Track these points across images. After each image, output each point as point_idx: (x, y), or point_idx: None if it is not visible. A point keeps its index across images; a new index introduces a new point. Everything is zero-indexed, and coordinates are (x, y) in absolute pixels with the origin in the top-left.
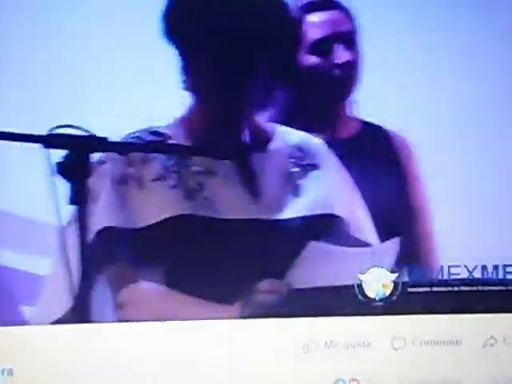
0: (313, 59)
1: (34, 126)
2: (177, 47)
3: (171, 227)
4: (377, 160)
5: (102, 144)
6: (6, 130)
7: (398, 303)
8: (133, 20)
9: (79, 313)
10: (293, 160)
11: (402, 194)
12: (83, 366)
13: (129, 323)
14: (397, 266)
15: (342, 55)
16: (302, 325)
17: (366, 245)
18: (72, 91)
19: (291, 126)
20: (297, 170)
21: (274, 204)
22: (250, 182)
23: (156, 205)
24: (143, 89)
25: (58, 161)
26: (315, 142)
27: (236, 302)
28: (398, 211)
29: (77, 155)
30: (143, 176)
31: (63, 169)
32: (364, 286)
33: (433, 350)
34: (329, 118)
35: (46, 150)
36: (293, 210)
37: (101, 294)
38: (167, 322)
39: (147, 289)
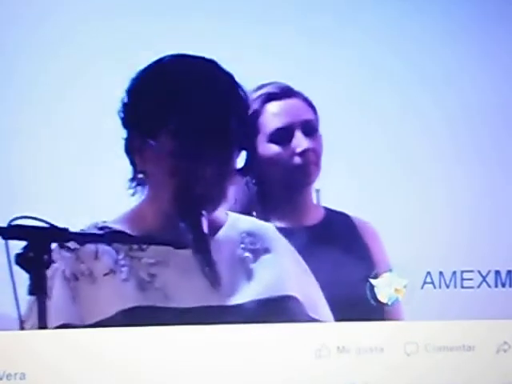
0: (273, 148)
1: None
2: (133, 137)
3: (125, 319)
4: (343, 246)
5: (62, 234)
6: None
7: (411, 308)
8: (90, 106)
9: None
10: (244, 245)
11: (368, 275)
12: (95, 371)
13: (142, 327)
14: None
15: (302, 143)
16: (315, 330)
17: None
18: (31, 182)
19: (253, 215)
20: (248, 254)
21: (229, 290)
22: (207, 269)
23: (108, 299)
24: (92, 183)
25: (17, 252)
26: (264, 226)
27: None
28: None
29: (37, 246)
30: (94, 271)
31: (22, 260)
32: (376, 290)
33: (446, 356)
34: (292, 206)
35: (4, 242)
36: (248, 294)
37: None
38: (176, 326)
39: None
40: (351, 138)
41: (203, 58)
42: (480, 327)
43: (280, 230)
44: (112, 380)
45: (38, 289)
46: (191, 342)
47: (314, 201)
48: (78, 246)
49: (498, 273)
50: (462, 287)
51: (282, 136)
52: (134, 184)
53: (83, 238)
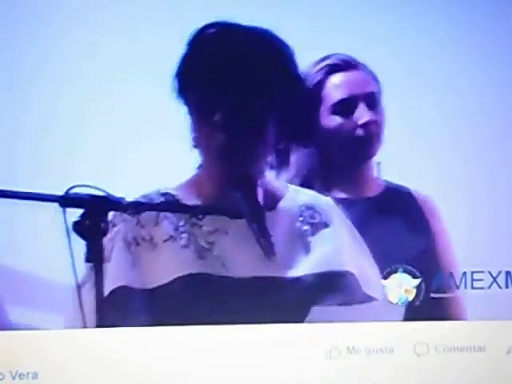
0: (336, 120)
1: (51, 186)
2: (188, 107)
3: (182, 286)
4: (402, 219)
5: (118, 203)
6: (24, 189)
7: (421, 309)
8: (145, 79)
9: None
10: (302, 218)
11: (427, 251)
12: (107, 371)
13: (154, 328)
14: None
15: (365, 115)
16: (325, 330)
17: (371, 299)
18: (89, 152)
19: (314, 187)
20: (307, 228)
21: (285, 262)
22: (261, 240)
23: (168, 265)
24: (155, 149)
25: (74, 220)
26: (324, 200)
27: None
28: (423, 269)
29: (93, 214)
30: (155, 237)
31: (79, 228)
32: (386, 291)
33: (456, 356)
34: (353, 178)
35: (62, 210)
36: (305, 267)
37: None
38: (190, 326)
39: None
40: (415, 111)
41: (256, 28)
42: (490, 328)
43: (339, 200)
44: (124, 381)
45: (95, 256)
46: (203, 342)
47: (375, 173)
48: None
49: (508, 273)
50: (473, 288)
51: (345, 108)
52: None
53: (138, 207)
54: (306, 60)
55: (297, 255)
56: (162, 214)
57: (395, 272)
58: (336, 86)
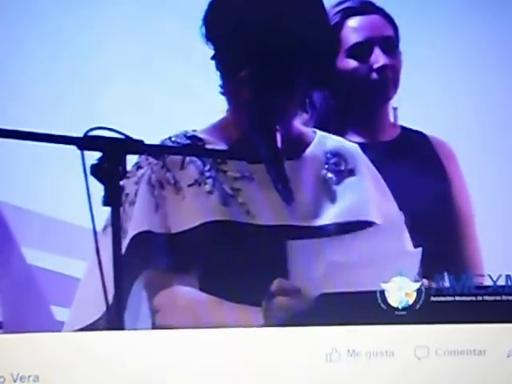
0: (352, 63)
1: (69, 128)
2: (215, 51)
3: (206, 233)
4: (418, 164)
5: (137, 147)
6: (41, 131)
7: (421, 312)
8: (171, 24)
9: (113, 318)
10: (328, 166)
11: (444, 198)
12: (110, 374)
13: (159, 331)
14: (422, 275)
15: (380, 59)
16: (325, 333)
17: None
18: (109, 94)
19: (329, 130)
20: (332, 176)
21: (310, 210)
22: (279, 185)
23: (192, 210)
24: (180, 93)
25: (93, 163)
26: (351, 146)
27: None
28: (440, 215)
29: (112, 157)
30: (180, 181)
31: (98, 171)
32: (387, 294)
33: (457, 360)
34: (368, 122)
35: (81, 152)
36: (329, 216)
37: (136, 298)
38: (191, 329)
39: (182, 293)
40: (434, 56)
41: None
42: (491, 331)
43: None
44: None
45: (113, 200)
46: (204, 344)
47: (391, 118)
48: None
49: (508, 277)
50: (473, 291)
51: (361, 51)
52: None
53: (158, 150)
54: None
55: (321, 204)
56: (188, 158)
57: (395, 276)
58: (353, 29)
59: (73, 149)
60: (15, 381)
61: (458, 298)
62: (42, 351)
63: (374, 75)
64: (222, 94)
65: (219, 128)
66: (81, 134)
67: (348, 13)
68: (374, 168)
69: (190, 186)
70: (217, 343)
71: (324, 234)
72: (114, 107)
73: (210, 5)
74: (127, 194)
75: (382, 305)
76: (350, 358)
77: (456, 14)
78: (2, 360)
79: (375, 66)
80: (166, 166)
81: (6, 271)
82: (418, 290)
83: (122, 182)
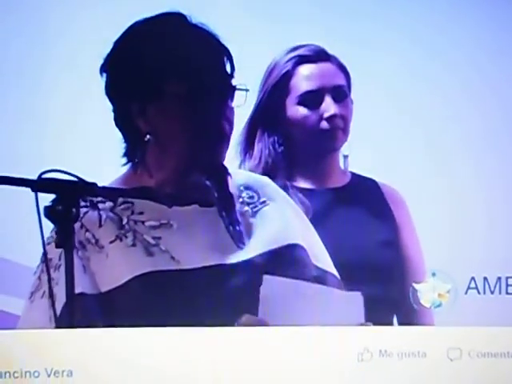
0: (302, 111)
1: (23, 170)
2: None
3: (136, 288)
4: (367, 210)
5: (90, 189)
6: None
7: (455, 313)
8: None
9: None
10: (242, 200)
11: (392, 245)
12: (142, 371)
13: (191, 328)
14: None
15: (331, 108)
16: (357, 333)
17: (328, 273)
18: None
19: (275, 176)
20: (247, 208)
21: (234, 246)
22: (237, 230)
23: (118, 266)
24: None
25: (46, 205)
26: (260, 178)
27: None
28: (388, 262)
29: (65, 199)
30: (100, 239)
31: (51, 212)
32: (419, 295)
33: (490, 362)
34: (317, 169)
35: (34, 194)
36: (253, 248)
37: None
38: (218, 327)
39: None
40: (384, 105)
41: (168, 14)
42: None
43: (304, 190)
44: (159, 381)
45: (66, 242)
46: (231, 342)
47: (342, 166)
48: (81, 214)
49: None
50: (507, 293)
51: (312, 99)
52: (130, 154)
53: (111, 192)
54: (277, 49)
55: (242, 238)
56: (105, 215)
57: (428, 276)
58: (304, 77)
59: (26, 191)
60: (49, 376)
61: (492, 300)
62: (76, 346)
63: (324, 124)
64: (130, 150)
65: (127, 180)
66: (34, 176)
67: (300, 60)
68: (287, 196)
69: (111, 242)
70: (248, 342)
71: (252, 268)
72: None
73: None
74: (50, 259)
75: (414, 305)
76: (382, 358)
77: (410, 55)
78: (37, 355)
79: (325, 114)
80: (84, 226)
81: None
82: (452, 291)
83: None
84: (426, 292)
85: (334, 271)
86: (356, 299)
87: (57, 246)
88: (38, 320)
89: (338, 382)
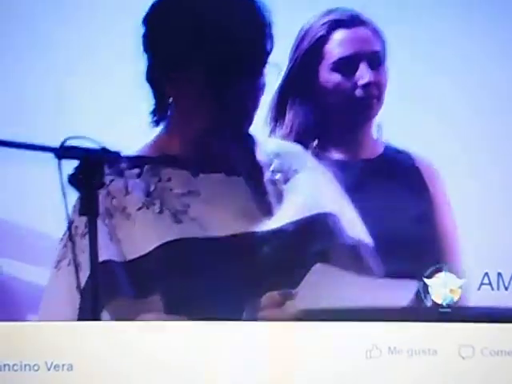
0: (336, 77)
1: (47, 137)
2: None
3: (163, 255)
4: (400, 183)
5: (113, 156)
6: (20, 139)
7: (467, 310)
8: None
9: None
10: (273, 168)
11: (426, 219)
12: (143, 364)
13: (194, 322)
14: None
15: (366, 76)
16: (366, 329)
17: (362, 243)
18: (85, 104)
19: (307, 146)
20: (279, 176)
21: (262, 215)
22: (266, 201)
23: (145, 234)
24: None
25: (70, 172)
26: (293, 147)
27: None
28: (421, 237)
29: (89, 167)
30: (127, 207)
31: (74, 180)
32: (430, 290)
33: (503, 360)
34: (350, 138)
35: (58, 161)
36: (283, 216)
37: None
38: (223, 321)
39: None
40: (421, 72)
41: None
42: None
43: (336, 162)
44: (158, 375)
45: (89, 209)
46: (238, 337)
47: (375, 135)
48: (107, 182)
49: None
50: None
51: (346, 66)
52: (157, 114)
53: (134, 160)
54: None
55: (274, 206)
56: (132, 182)
57: (440, 271)
58: (339, 43)
59: (50, 157)
60: (49, 369)
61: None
62: (76, 340)
63: (359, 92)
64: (157, 110)
65: (154, 147)
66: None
67: (334, 25)
68: (320, 164)
69: (138, 209)
70: (251, 337)
71: (282, 236)
72: (91, 116)
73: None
74: (76, 227)
75: (425, 301)
76: (391, 356)
77: (446, 26)
78: (37, 348)
79: (360, 82)
80: (110, 193)
81: None
82: (464, 287)
83: (70, 217)
84: (437, 287)
85: (368, 240)
86: (409, 286)
87: (80, 214)
88: (63, 289)
89: (345, 380)
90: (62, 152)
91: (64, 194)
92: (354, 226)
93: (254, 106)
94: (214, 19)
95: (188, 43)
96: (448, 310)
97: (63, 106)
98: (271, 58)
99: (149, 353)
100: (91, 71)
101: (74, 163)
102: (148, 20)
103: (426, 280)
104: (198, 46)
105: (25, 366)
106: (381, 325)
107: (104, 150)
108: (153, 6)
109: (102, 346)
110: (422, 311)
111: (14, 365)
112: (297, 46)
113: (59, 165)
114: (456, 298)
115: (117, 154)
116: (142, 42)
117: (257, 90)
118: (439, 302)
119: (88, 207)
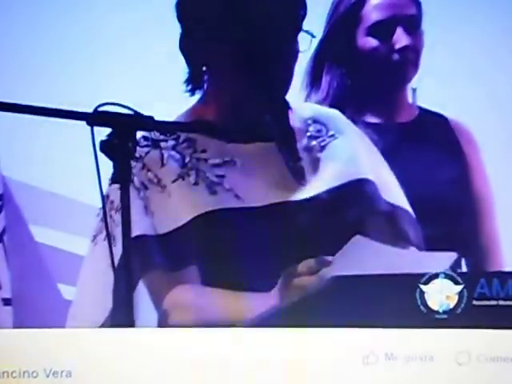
0: (372, 42)
1: (79, 103)
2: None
3: (200, 226)
4: (436, 147)
5: (147, 122)
6: (51, 106)
7: (463, 316)
8: None
9: (123, 318)
10: (310, 134)
11: (462, 184)
12: (143, 370)
13: (190, 328)
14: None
15: (403, 40)
16: (363, 335)
17: (400, 209)
18: (117, 71)
19: (345, 110)
20: (315, 143)
21: (299, 183)
22: (298, 166)
23: (181, 206)
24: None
25: (102, 139)
26: (329, 112)
27: (273, 289)
28: (457, 201)
29: (122, 133)
30: (163, 178)
31: (108, 147)
32: (427, 297)
33: (499, 367)
34: (385, 103)
35: (90, 128)
36: (319, 184)
37: (142, 299)
38: (219, 328)
39: (186, 292)
40: (457, 37)
41: None
42: None
43: (371, 125)
44: (157, 381)
45: (122, 177)
46: (235, 345)
47: (410, 100)
48: (143, 154)
49: None
50: None
51: (383, 30)
52: (192, 83)
53: (168, 126)
54: None
55: (310, 173)
56: (167, 154)
57: (436, 277)
58: (375, 7)
59: (82, 125)
60: (48, 376)
61: (501, 303)
62: (75, 347)
63: (395, 56)
64: (191, 79)
65: (190, 116)
66: (90, 110)
67: None
68: (358, 129)
69: (173, 181)
70: (247, 342)
71: (319, 204)
72: (125, 83)
73: None
74: (112, 201)
75: (421, 307)
76: (388, 362)
77: None
78: (35, 355)
79: (397, 46)
80: (145, 166)
81: (15, 249)
82: (460, 293)
83: (105, 191)
84: (433, 294)
85: (407, 206)
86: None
87: (113, 182)
88: (100, 263)
89: None
90: (95, 119)
91: (97, 162)
92: (392, 192)
93: (289, 72)
94: None
95: (220, 11)
96: (444, 316)
97: (97, 76)
98: (304, 25)
99: (147, 359)
100: (126, 40)
101: (107, 130)
102: None
103: (422, 286)
104: (231, 14)
105: (23, 372)
106: (378, 331)
107: (137, 115)
108: None
109: (101, 352)
110: (418, 317)
111: (12, 372)
112: (333, 11)
113: (92, 131)
114: (452, 305)
115: (151, 119)
116: (175, 10)
117: (291, 56)
118: (436, 308)
119: (121, 175)
